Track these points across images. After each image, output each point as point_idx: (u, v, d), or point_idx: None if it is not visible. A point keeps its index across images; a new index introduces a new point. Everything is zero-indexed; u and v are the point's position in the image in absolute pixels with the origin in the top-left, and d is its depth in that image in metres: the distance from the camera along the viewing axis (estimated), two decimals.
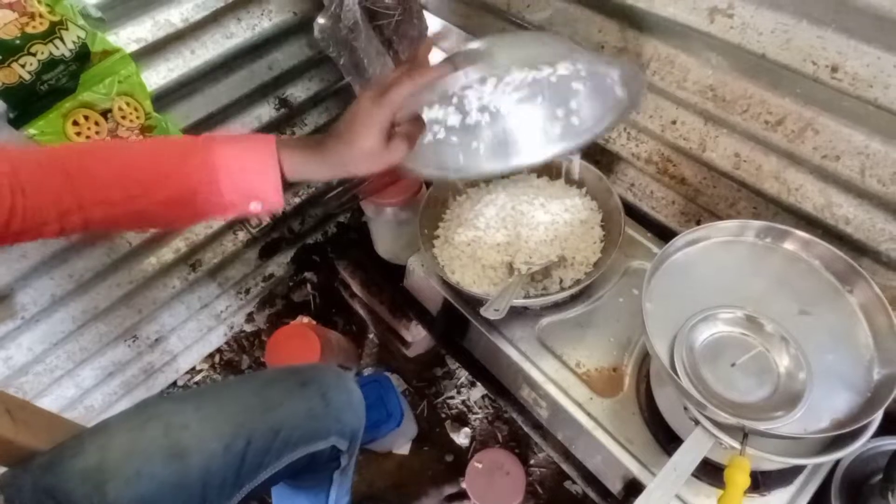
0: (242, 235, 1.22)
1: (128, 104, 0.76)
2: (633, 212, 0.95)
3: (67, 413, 1.11)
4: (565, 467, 0.90)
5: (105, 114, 0.74)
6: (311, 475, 0.75)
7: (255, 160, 0.53)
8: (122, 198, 0.50)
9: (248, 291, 1.34)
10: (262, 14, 0.97)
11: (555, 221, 0.85)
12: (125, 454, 0.58)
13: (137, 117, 0.77)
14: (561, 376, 0.81)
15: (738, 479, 0.53)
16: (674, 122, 0.79)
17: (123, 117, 0.76)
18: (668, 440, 0.72)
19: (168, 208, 0.52)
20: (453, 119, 0.58)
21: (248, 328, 1.38)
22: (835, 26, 0.57)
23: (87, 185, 0.49)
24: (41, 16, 0.62)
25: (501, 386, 0.93)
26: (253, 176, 0.52)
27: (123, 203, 0.50)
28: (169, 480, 0.58)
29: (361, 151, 0.53)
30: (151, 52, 0.87)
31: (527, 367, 0.82)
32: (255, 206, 0.53)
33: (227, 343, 1.37)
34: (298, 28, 1.03)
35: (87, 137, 0.74)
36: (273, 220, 1.25)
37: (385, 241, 1.08)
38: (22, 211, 0.46)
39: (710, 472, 0.68)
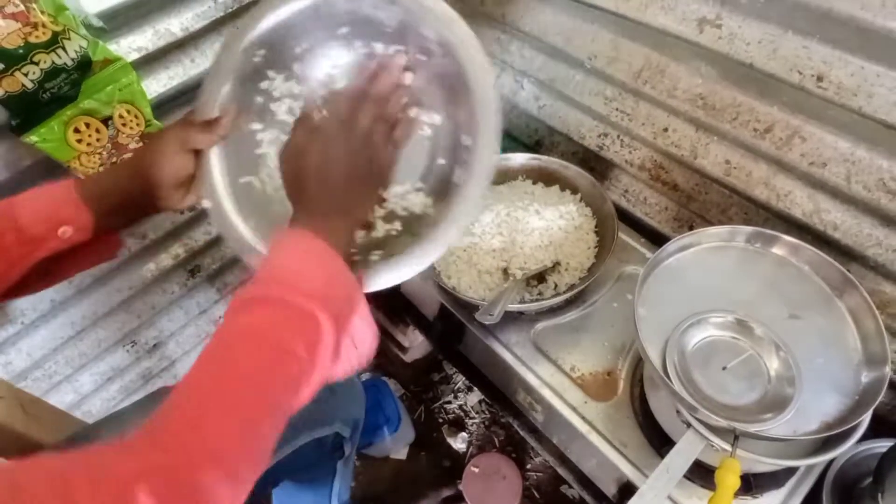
0: None
1: (128, 112, 0.77)
2: (626, 217, 0.96)
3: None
4: (561, 471, 0.91)
5: (106, 121, 0.75)
6: (316, 467, 0.76)
7: (49, 192, 0.54)
8: None
9: None
10: None
11: (549, 227, 0.86)
12: None
13: (138, 124, 0.78)
14: (556, 380, 0.82)
15: (729, 480, 0.54)
16: (665, 130, 0.80)
17: (124, 124, 0.77)
18: (661, 443, 0.72)
19: None
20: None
21: None
22: (819, 37, 0.59)
23: None
24: (44, 25, 0.63)
25: (498, 390, 0.94)
26: (49, 202, 0.54)
27: None
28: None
29: (169, 146, 0.58)
30: (152, 60, 0.88)
31: (522, 371, 0.83)
32: (63, 232, 0.53)
33: None
34: None
35: (88, 144, 0.75)
36: None
37: None
38: None
39: (703, 474, 0.68)
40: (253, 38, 0.61)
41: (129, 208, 0.58)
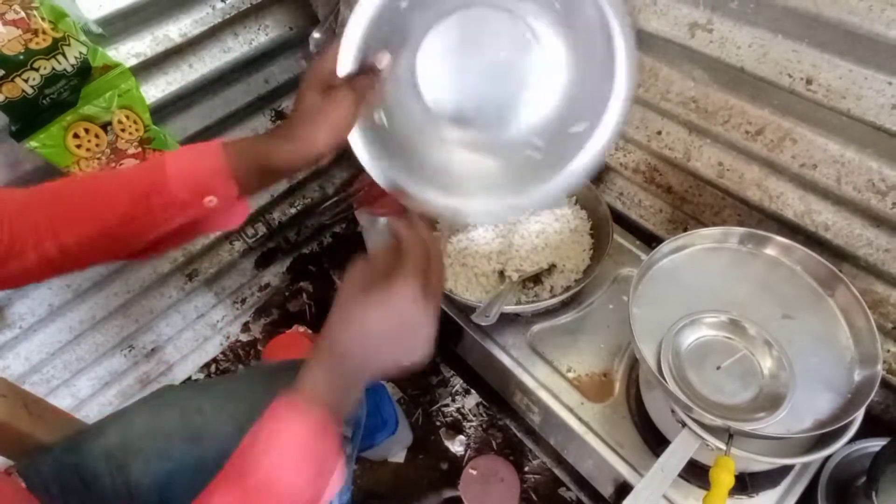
0: (239, 245, 1.23)
1: (127, 117, 0.77)
2: (621, 220, 0.97)
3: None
4: (558, 472, 0.91)
5: (105, 126, 0.76)
6: None
7: (200, 156, 0.52)
8: (90, 217, 0.51)
9: (244, 301, 1.35)
10: (258, 29, 0.99)
11: (545, 230, 0.87)
12: (146, 435, 0.60)
13: (136, 130, 0.79)
14: (552, 382, 0.82)
15: (723, 478, 0.55)
16: (659, 133, 0.81)
17: (123, 130, 0.78)
18: (657, 443, 0.73)
19: (130, 221, 0.51)
20: None
21: (244, 338, 1.39)
22: (808, 41, 0.60)
23: (60, 212, 0.50)
24: (44, 32, 0.64)
25: (495, 392, 0.94)
26: (200, 170, 0.51)
27: (91, 223, 0.50)
28: (187, 462, 0.60)
29: (303, 112, 0.52)
30: (151, 66, 0.89)
31: (519, 373, 0.84)
32: (209, 201, 0.51)
33: (222, 353, 1.37)
34: (294, 42, 1.05)
35: (88, 150, 0.75)
36: (269, 231, 1.26)
37: None
38: (8, 238, 0.48)
39: (699, 473, 0.69)
40: None
41: (270, 175, 0.56)
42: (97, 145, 0.76)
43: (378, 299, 0.45)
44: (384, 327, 0.46)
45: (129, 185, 0.51)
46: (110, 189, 0.52)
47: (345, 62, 0.51)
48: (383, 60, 0.52)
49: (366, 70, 0.54)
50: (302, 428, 0.44)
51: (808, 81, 0.61)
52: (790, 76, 0.62)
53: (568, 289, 0.83)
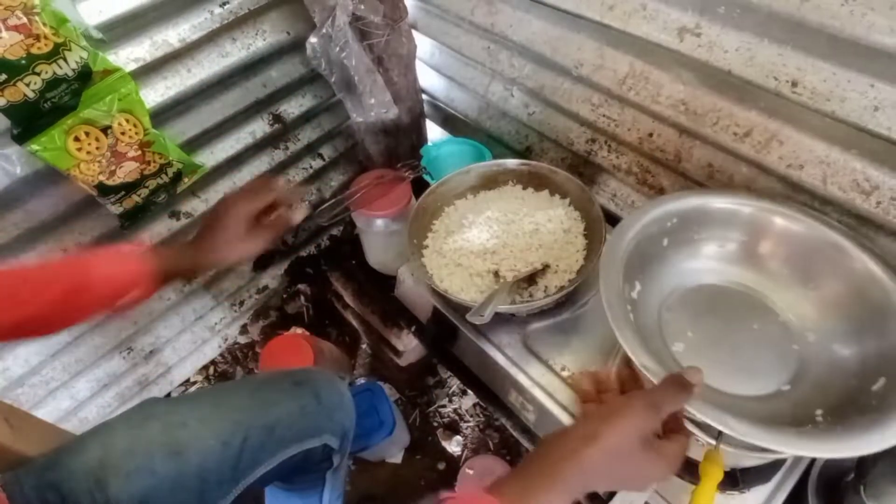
0: None
1: (127, 121, 0.79)
2: (615, 221, 0.98)
3: (62, 425, 1.12)
4: None
5: (105, 130, 0.77)
6: (304, 475, 0.77)
7: (123, 261, 0.63)
8: (7, 307, 0.56)
9: (242, 303, 1.35)
10: (256, 34, 1.01)
11: (539, 231, 0.88)
12: (126, 451, 0.60)
13: (136, 133, 0.80)
14: (547, 381, 0.83)
15: (712, 471, 0.56)
16: (650, 135, 0.82)
17: (123, 133, 0.79)
18: None
19: (50, 313, 0.58)
20: None
21: (242, 340, 1.40)
22: (793, 44, 0.61)
23: None
24: (46, 37, 0.65)
25: (490, 392, 0.95)
26: (122, 274, 0.61)
27: (9, 311, 0.56)
28: (168, 476, 0.60)
29: (223, 240, 0.66)
30: (150, 70, 0.90)
31: (514, 372, 0.85)
32: (130, 297, 0.61)
33: (221, 355, 1.38)
34: (292, 47, 1.06)
35: (88, 153, 0.77)
36: None
37: (376, 252, 1.10)
38: None
39: (692, 470, 0.70)
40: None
41: (185, 276, 0.67)
42: (97, 148, 0.77)
43: (652, 460, 0.45)
44: (638, 477, 0.46)
45: (52, 286, 0.59)
46: (32, 287, 0.59)
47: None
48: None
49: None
50: None
51: (794, 84, 0.62)
52: (776, 79, 0.63)
53: (562, 289, 0.84)
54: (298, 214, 0.73)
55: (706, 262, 0.72)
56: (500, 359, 0.86)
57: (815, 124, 0.63)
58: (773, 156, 0.68)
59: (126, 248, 0.64)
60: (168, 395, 1.31)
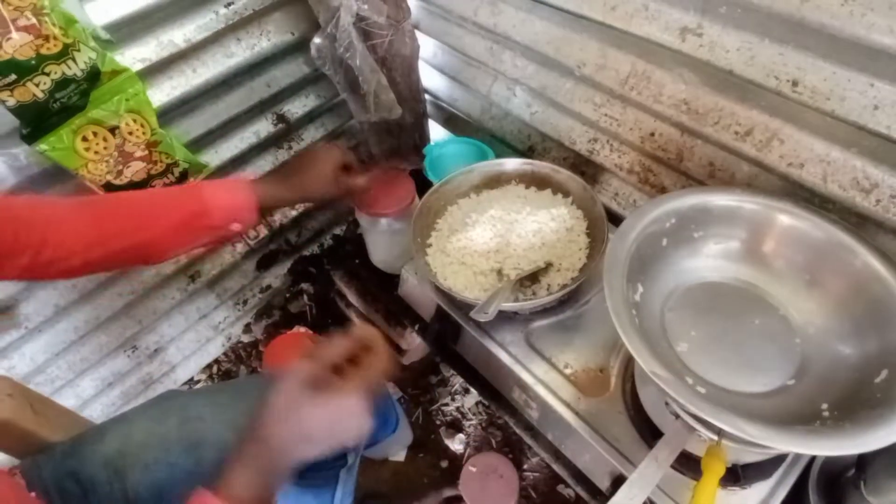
0: (241, 247, 1.25)
1: (134, 120, 0.79)
2: (617, 220, 0.98)
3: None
4: (556, 467, 0.93)
5: (113, 130, 0.78)
6: (317, 472, 0.78)
7: (234, 190, 0.68)
8: (135, 227, 0.62)
9: (245, 302, 1.36)
10: (261, 34, 1.01)
11: (542, 229, 0.89)
12: (144, 443, 0.62)
13: (143, 133, 0.81)
14: (550, 378, 0.84)
15: (714, 466, 0.56)
16: (652, 134, 0.83)
17: (130, 133, 0.80)
18: (652, 436, 0.74)
19: (171, 235, 0.64)
20: None
21: (246, 339, 1.41)
22: (794, 44, 0.62)
23: (108, 221, 0.61)
24: (55, 38, 0.66)
25: (493, 389, 0.96)
26: (233, 202, 0.67)
27: (135, 233, 0.62)
28: (185, 468, 0.61)
29: (314, 176, 0.74)
30: (156, 70, 0.91)
31: (517, 369, 0.85)
32: (235, 226, 0.67)
33: (224, 354, 1.39)
34: (296, 47, 1.07)
35: (96, 153, 0.77)
36: (270, 233, 1.28)
37: (380, 251, 1.11)
38: (53, 243, 0.56)
39: (694, 466, 0.70)
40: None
41: (280, 207, 0.79)
42: (105, 148, 0.78)
43: (325, 401, 0.49)
44: (324, 426, 0.49)
45: (175, 208, 0.65)
46: (158, 208, 0.64)
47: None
48: None
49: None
50: None
51: (794, 83, 0.63)
52: (777, 78, 0.64)
53: (564, 287, 0.84)
54: (361, 181, 0.83)
55: (706, 261, 0.72)
56: (503, 356, 0.87)
57: (816, 123, 0.64)
58: (774, 154, 0.69)
59: (233, 179, 0.72)
60: None
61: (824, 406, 0.57)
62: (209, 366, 1.37)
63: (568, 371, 0.85)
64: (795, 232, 0.67)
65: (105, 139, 0.77)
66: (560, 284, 0.85)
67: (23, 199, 0.61)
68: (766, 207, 0.68)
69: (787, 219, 0.67)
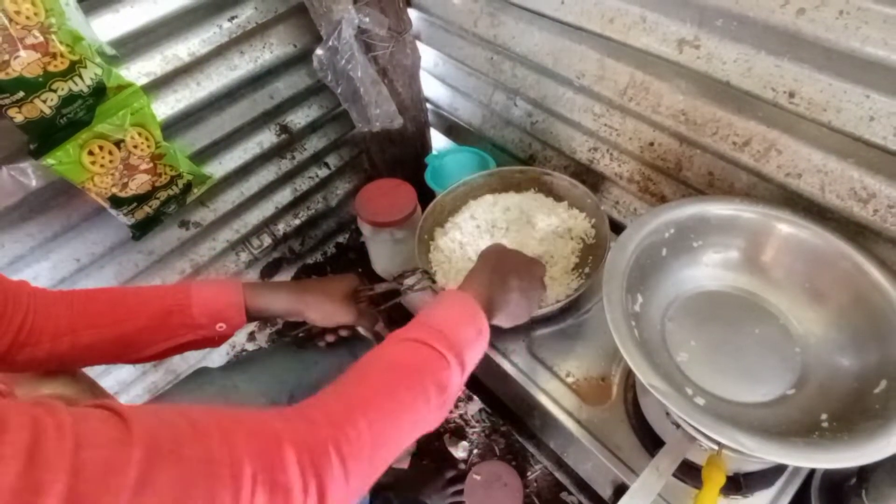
0: (245, 256, 1.26)
1: (139, 134, 0.81)
2: (619, 228, 0.99)
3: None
4: (559, 475, 0.93)
5: (118, 143, 0.79)
6: None
7: (223, 290, 0.65)
8: (110, 322, 0.59)
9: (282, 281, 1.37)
10: (263, 47, 1.03)
11: (545, 238, 0.89)
12: None
13: (148, 146, 0.82)
14: (552, 386, 0.84)
15: (715, 476, 0.57)
16: (651, 144, 0.84)
17: (135, 146, 0.81)
18: (653, 445, 0.75)
19: (147, 332, 0.61)
20: None
21: (250, 347, 1.41)
22: (790, 56, 0.63)
23: (83, 312, 0.58)
24: (62, 55, 0.67)
25: (496, 398, 0.96)
26: (220, 302, 0.64)
27: (110, 327, 0.59)
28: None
29: (320, 299, 0.70)
30: (160, 84, 0.92)
31: (520, 378, 0.86)
32: (220, 327, 0.64)
33: (228, 362, 1.40)
34: (298, 59, 1.08)
35: (102, 166, 0.79)
36: (274, 241, 1.29)
37: (382, 260, 1.12)
38: (28, 328, 0.54)
39: (695, 475, 0.70)
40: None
41: (272, 316, 0.71)
42: (111, 161, 0.79)
43: (523, 256, 0.69)
44: (522, 269, 0.66)
45: (155, 301, 0.62)
46: (136, 301, 0.62)
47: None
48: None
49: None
50: (462, 299, 0.57)
51: (791, 95, 0.64)
52: (774, 90, 0.65)
53: (568, 296, 0.85)
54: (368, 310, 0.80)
55: (705, 270, 0.73)
56: (505, 365, 0.87)
57: (813, 134, 0.65)
58: (772, 164, 0.69)
59: (225, 279, 0.68)
60: None
61: (824, 416, 0.57)
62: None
63: (570, 380, 0.85)
64: (794, 240, 0.67)
65: (110, 153, 0.78)
66: (564, 293, 0.86)
67: (12, 280, 0.57)
68: (764, 216, 0.69)
69: (786, 227, 0.67)
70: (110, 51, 0.78)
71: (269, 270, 1.35)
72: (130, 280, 1.06)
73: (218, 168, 1.08)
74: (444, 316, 0.55)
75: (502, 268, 0.64)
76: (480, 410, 1.27)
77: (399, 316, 1.15)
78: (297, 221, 1.32)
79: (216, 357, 1.34)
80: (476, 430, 1.25)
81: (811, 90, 0.62)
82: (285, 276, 1.40)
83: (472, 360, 0.55)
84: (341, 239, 1.49)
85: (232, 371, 0.73)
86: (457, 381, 0.52)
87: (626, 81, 0.80)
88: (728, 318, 0.70)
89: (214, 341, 0.67)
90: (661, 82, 0.76)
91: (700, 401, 0.60)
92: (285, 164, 1.21)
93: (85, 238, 0.94)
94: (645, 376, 0.55)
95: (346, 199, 1.39)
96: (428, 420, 0.49)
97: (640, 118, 0.83)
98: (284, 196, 1.26)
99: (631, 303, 0.67)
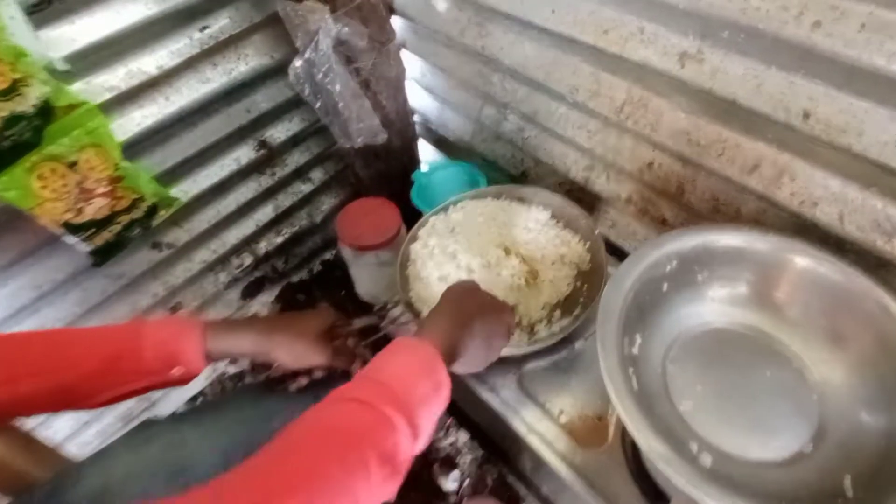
0: (223, 277, 1.20)
1: (96, 155, 0.75)
2: (615, 251, 0.93)
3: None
4: None
5: (72, 166, 0.73)
6: None
7: (178, 329, 0.58)
8: (51, 369, 0.53)
9: (247, 317, 1.31)
10: (238, 59, 0.97)
11: (533, 265, 0.83)
12: (127, 475, 0.58)
13: (105, 169, 0.76)
14: (543, 427, 0.78)
15: None
16: (650, 165, 0.77)
17: (91, 169, 0.75)
18: (654, 495, 0.68)
19: (93, 380, 0.55)
20: None
21: (232, 369, 1.35)
22: (804, 72, 0.56)
23: (22, 359, 0.53)
24: (2, 73, 0.62)
25: (485, 434, 0.90)
26: (176, 344, 0.57)
27: (51, 375, 0.53)
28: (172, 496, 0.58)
29: (288, 339, 0.63)
30: (125, 99, 0.86)
31: (509, 416, 0.79)
32: (177, 371, 0.58)
33: (210, 385, 1.33)
34: (276, 71, 1.02)
35: (54, 191, 0.73)
36: (256, 261, 1.23)
37: (365, 284, 1.05)
38: None
39: None
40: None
41: (235, 357, 0.66)
42: (64, 185, 0.73)
43: (490, 298, 0.63)
44: (488, 312, 0.60)
45: (101, 346, 0.56)
46: (81, 346, 0.55)
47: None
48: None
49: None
50: (418, 347, 0.50)
51: (806, 115, 0.57)
52: (786, 109, 0.58)
53: (562, 329, 0.79)
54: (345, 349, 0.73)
55: (711, 306, 0.67)
56: (494, 402, 0.81)
57: (831, 159, 0.58)
58: (785, 191, 0.63)
59: (183, 319, 0.61)
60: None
61: (847, 480, 0.50)
62: (193, 398, 1.31)
63: (563, 419, 0.79)
64: (812, 275, 0.61)
65: (63, 176, 0.72)
66: (560, 328, 0.80)
67: None
68: (778, 248, 0.62)
69: (803, 260, 0.61)
70: (63, 66, 0.72)
71: (251, 291, 1.28)
72: (98, 306, 1.00)
73: (192, 186, 1.02)
74: (395, 369, 0.48)
75: (466, 309, 0.58)
76: (472, 438, 1.20)
77: (384, 343, 1.08)
78: (280, 239, 1.26)
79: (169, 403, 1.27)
80: (467, 459, 1.19)
81: (829, 110, 0.56)
82: (268, 296, 1.34)
83: (429, 421, 0.48)
84: (328, 256, 1.43)
85: (182, 422, 0.65)
86: (407, 448, 0.45)
87: (622, 97, 0.74)
88: (736, 360, 0.63)
89: (175, 384, 0.60)
90: (661, 99, 0.70)
91: (706, 459, 0.54)
92: (265, 181, 1.15)
93: (45, 264, 0.88)
94: (644, 438, 0.49)
95: (332, 214, 1.33)
96: (372, 497, 0.43)
97: (638, 137, 0.76)
98: (266, 213, 1.20)
99: (629, 345, 0.60)
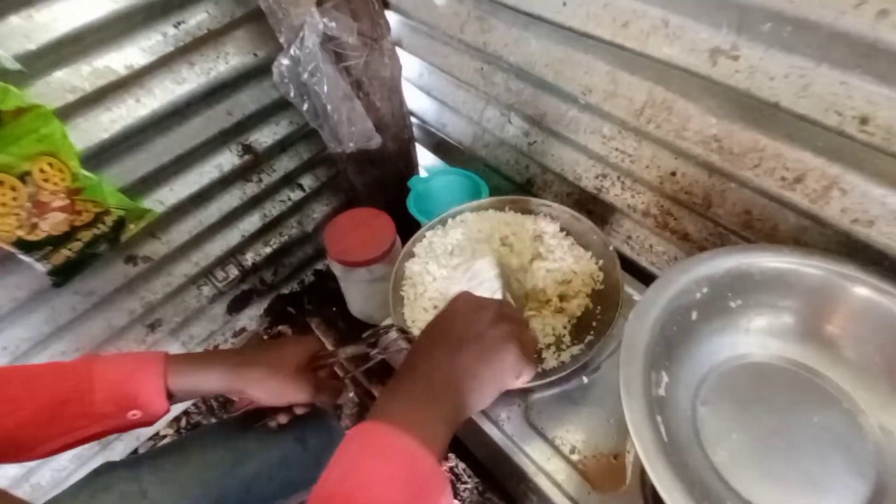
0: (207, 290, 1.12)
1: (51, 165, 0.67)
2: (630, 266, 0.85)
3: (12, 492, 1.00)
4: None
5: (23, 178, 0.65)
6: None
7: (135, 367, 0.51)
8: None
9: (216, 349, 1.23)
10: (217, 57, 0.89)
11: (538, 283, 0.75)
12: None
13: (62, 179, 0.68)
14: (553, 466, 0.70)
15: None
16: (673, 174, 0.69)
17: (45, 180, 0.67)
18: None
19: (33, 427, 0.48)
20: None
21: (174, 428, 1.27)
22: (862, 71, 0.48)
23: None
24: None
25: (487, 471, 0.82)
26: (132, 384, 0.51)
27: None
28: None
29: (262, 375, 0.55)
30: (90, 102, 0.78)
31: (514, 453, 0.71)
32: (133, 415, 0.51)
33: (194, 405, 1.25)
34: (260, 70, 0.94)
35: (3, 206, 0.65)
36: (242, 273, 1.15)
37: (358, 302, 0.98)
38: None
39: None
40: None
41: (203, 395, 0.56)
42: (14, 199, 0.65)
43: (476, 301, 0.50)
44: (476, 322, 0.47)
45: (45, 387, 0.48)
46: (21, 388, 0.48)
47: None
48: None
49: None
50: (388, 451, 0.38)
51: (863, 121, 0.49)
52: (839, 114, 0.50)
53: (575, 358, 0.71)
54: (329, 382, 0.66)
55: (746, 336, 0.58)
56: (496, 436, 0.73)
57: (891, 172, 0.50)
58: (834, 207, 0.55)
59: (144, 353, 0.54)
60: (135, 451, 1.18)
61: None
62: (177, 419, 1.23)
63: (575, 457, 0.70)
64: (871, 307, 0.52)
65: (13, 188, 0.64)
66: (571, 355, 0.72)
67: None
68: (830, 273, 0.54)
69: (862, 290, 0.52)
70: (13, 65, 0.64)
71: (238, 304, 1.21)
72: (68, 325, 0.92)
73: (169, 196, 0.94)
74: (370, 493, 0.36)
75: (445, 344, 0.46)
76: (473, 474, 1.12)
77: (378, 365, 1.00)
78: (269, 249, 1.18)
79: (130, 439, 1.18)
80: (468, 486, 1.11)
81: (890, 115, 0.47)
82: (256, 310, 1.26)
83: None
84: (320, 266, 1.35)
85: (141, 468, 0.58)
86: None
87: (643, 99, 0.66)
88: (777, 401, 0.55)
89: (137, 426, 0.53)
90: (688, 101, 0.62)
91: None
92: (251, 188, 1.07)
93: (5, 281, 0.80)
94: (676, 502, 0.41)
95: (325, 222, 1.25)
96: None
97: (659, 143, 0.68)
98: (252, 222, 1.12)
99: (654, 385, 0.52)
